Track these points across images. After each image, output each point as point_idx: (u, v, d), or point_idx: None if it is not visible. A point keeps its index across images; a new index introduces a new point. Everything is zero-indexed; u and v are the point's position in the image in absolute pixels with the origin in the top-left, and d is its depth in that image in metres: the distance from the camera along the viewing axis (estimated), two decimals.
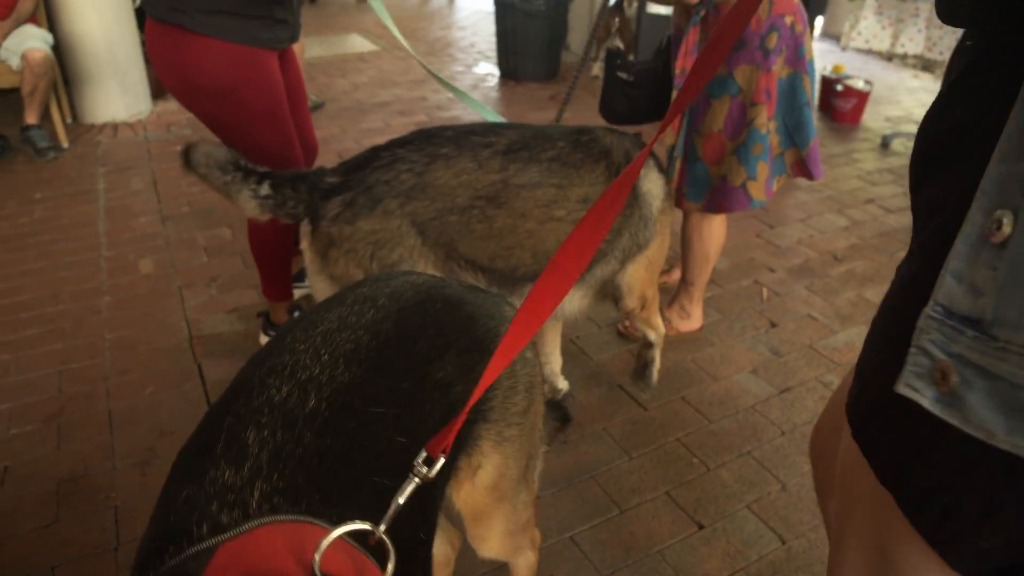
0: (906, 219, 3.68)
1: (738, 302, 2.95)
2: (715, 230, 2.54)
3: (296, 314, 2.56)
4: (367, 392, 0.99)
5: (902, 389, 0.65)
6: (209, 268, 3.11)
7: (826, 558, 1.44)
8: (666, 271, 3.03)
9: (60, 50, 4.60)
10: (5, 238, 3.39)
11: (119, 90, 4.75)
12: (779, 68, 2.27)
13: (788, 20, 2.22)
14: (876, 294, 3.01)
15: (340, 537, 0.77)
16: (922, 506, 0.70)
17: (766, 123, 2.29)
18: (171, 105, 4.97)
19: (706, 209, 2.47)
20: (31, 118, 4.24)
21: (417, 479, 0.84)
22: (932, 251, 0.70)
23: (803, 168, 2.42)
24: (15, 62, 4.07)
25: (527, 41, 5.73)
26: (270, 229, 2.37)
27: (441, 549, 1.70)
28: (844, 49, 4.80)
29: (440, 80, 2.32)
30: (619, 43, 6.12)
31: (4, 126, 4.38)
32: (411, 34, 7.41)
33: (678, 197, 2.48)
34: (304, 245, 1.89)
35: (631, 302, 2.11)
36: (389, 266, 1.78)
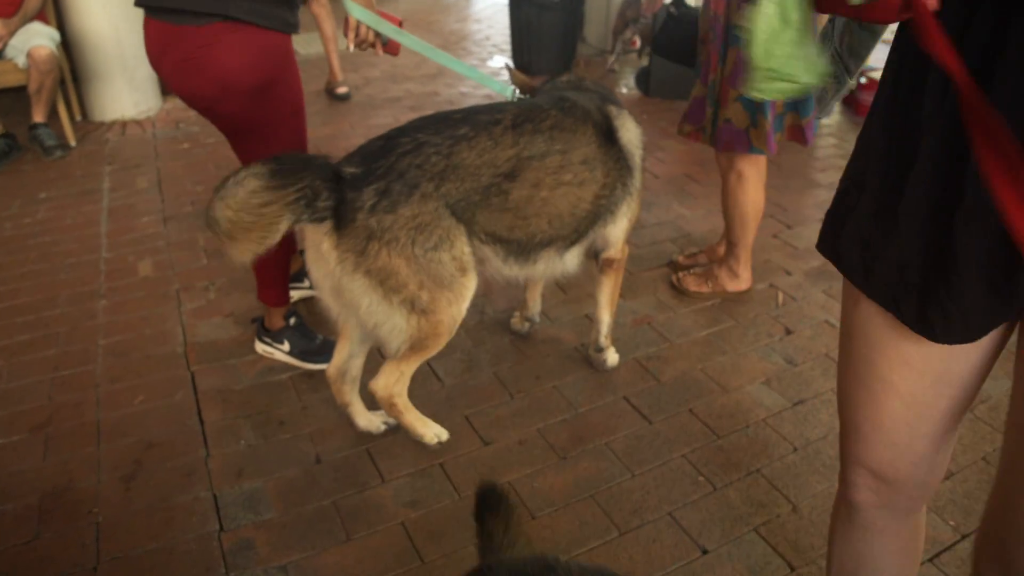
0: None
1: (752, 307, 2.83)
2: (749, 193, 2.68)
3: (292, 320, 2.48)
4: None
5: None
6: (208, 271, 3.05)
7: None
8: (695, 253, 3.18)
9: (69, 47, 4.58)
10: (7, 239, 3.36)
11: (128, 87, 4.70)
12: None
13: None
14: None
15: None
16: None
17: None
18: (180, 102, 4.91)
19: (714, 147, 2.64)
20: (38, 116, 4.21)
21: None
22: None
23: (799, 133, 2.56)
24: (21, 60, 4.03)
25: (541, 34, 5.60)
26: None
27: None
28: None
29: (436, 55, 2.21)
30: (635, 36, 6.00)
31: (12, 125, 4.35)
32: (426, 27, 7.32)
33: (688, 133, 2.72)
34: (327, 247, 1.78)
35: (614, 252, 2.29)
36: (429, 249, 1.79)
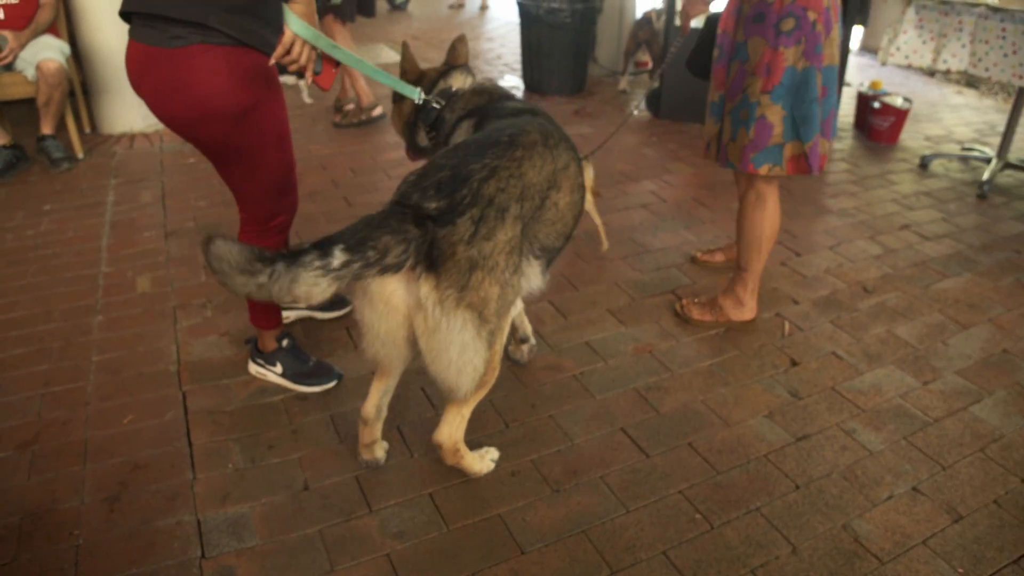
0: (945, 247, 3.46)
1: (757, 337, 2.76)
2: (768, 216, 2.65)
3: (285, 343, 2.44)
4: None
5: None
6: (205, 288, 3.02)
7: None
8: (710, 252, 3.27)
9: (80, 60, 4.60)
10: (8, 251, 3.35)
11: (137, 101, 4.63)
12: (794, 56, 2.36)
13: (811, 16, 2.32)
14: (908, 331, 2.80)
15: None
16: None
17: (757, 94, 2.43)
18: None
19: (719, 163, 2.64)
20: (46, 128, 4.22)
21: None
22: None
23: (802, 163, 2.50)
24: (31, 73, 4.05)
25: (552, 54, 5.59)
26: None
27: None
28: (883, 64, 4.57)
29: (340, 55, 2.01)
30: (647, 56, 5.98)
31: (21, 136, 4.37)
32: (439, 45, 7.33)
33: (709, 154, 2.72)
34: (425, 290, 1.67)
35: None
36: (512, 274, 1.79)
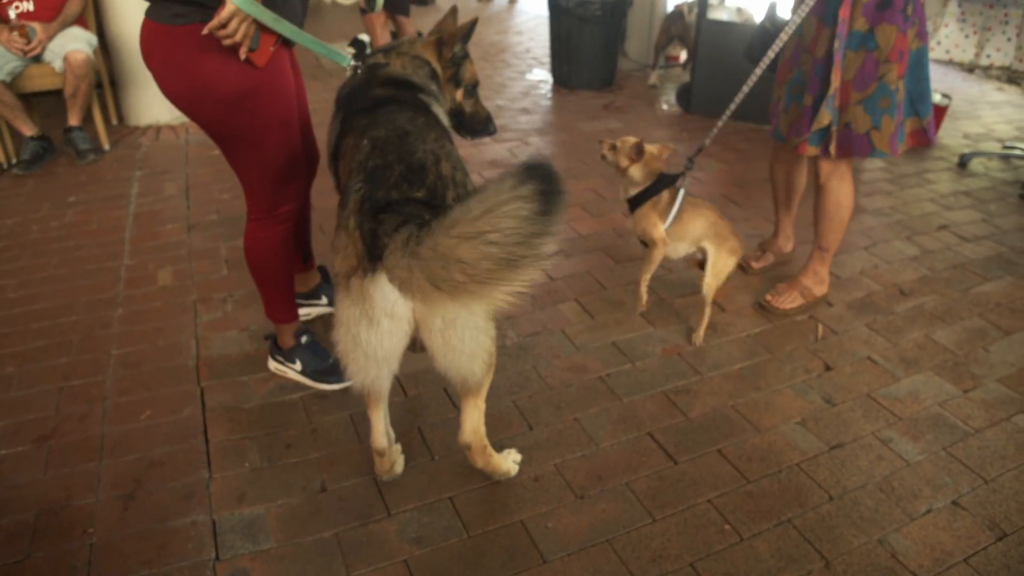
0: (985, 249, 3.33)
1: (790, 340, 2.67)
2: (851, 194, 2.70)
3: (304, 339, 2.40)
4: None
5: None
6: (227, 282, 2.99)
7: None
8: (757, 257, 3.18)
9: (108, 51, 4.60)
10: (33, 242, 3.35)
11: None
12: (912, 38, 2.44)
13: None
14: (946, 335, 2.70)
15: None
16: None
17: (895, 80, 2.45)
18: None
19: (826, 153, 2.56)
20: (73, 120, 4.22)
21: None
22: None
23: (922, 136, 2.64)
24: (58, 64, 4.05)
25: (581, 47, 5.50)
26: (267, 244, 2.22)
27: None
28: None
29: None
30: (678, 51, 5.87)
31: (48, 127, 4.37)
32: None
33: (798, 144, 2.62)
34: None
35: None
36: None
